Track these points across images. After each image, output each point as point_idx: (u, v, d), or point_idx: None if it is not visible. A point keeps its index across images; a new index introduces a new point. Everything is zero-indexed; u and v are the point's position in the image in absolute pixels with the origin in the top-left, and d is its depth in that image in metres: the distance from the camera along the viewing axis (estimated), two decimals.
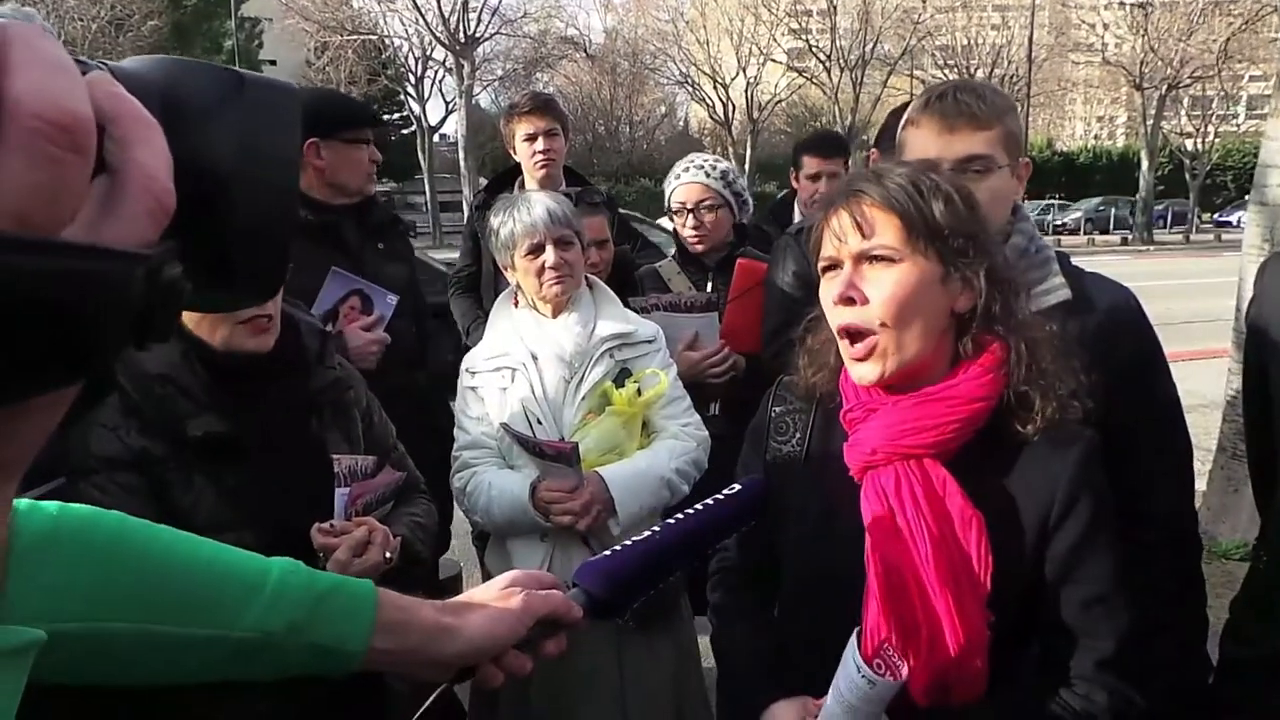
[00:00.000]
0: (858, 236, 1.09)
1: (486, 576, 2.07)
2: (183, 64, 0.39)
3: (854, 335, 1.10)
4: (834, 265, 1.13)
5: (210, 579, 0.75)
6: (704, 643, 2.40)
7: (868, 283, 1.09)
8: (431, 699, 0.81)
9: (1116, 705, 1.06)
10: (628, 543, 0.97)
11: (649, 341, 2.01)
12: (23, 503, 0.70)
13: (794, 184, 3.27)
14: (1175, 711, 1.43)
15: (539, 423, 1.89)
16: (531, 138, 2.88)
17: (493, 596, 0.86)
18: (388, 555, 1.42)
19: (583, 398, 1.90)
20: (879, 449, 1.10)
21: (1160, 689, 1.16)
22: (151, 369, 1.36)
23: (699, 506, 1.06)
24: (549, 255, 1.89)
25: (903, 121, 1.51)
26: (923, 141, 1.43)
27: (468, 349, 2.19)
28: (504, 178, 3.10)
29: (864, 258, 1.10)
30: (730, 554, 1.34)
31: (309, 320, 1.62)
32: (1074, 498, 1.08)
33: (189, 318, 1.39)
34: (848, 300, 1.09)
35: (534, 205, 1.91)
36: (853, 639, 1.00)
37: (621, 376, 1.95)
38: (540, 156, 2.87)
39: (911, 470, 1.08)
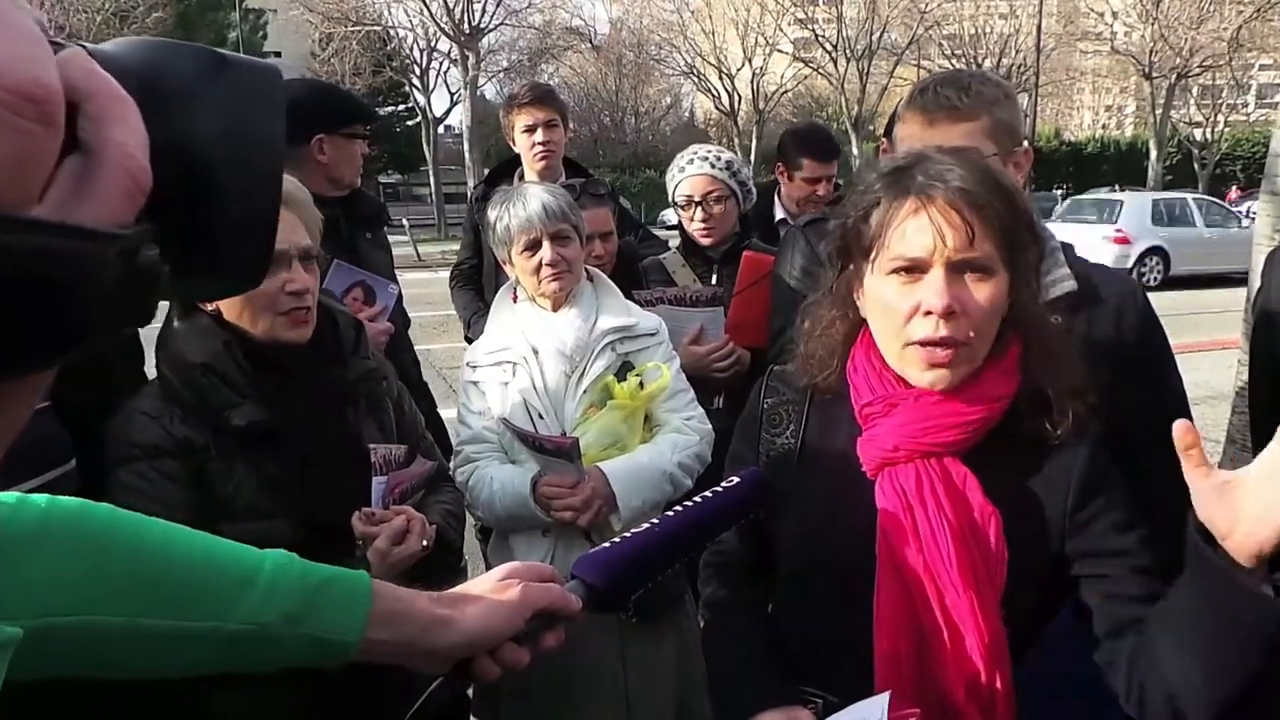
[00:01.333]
0: (964, 240, 0.99)
1: None
2: (163, 45, 0.38)
3: (938, 343, 1.02)
4: (916, 267, 1.02)
5: (203, 571, 0.75)
6: None
7: (968, 294, 1.01)
8: (428, 692, 0.80)
9: None
10: (627, 534, 0.97)
11: (651, 334, 2.00)
12: (10, 496, 0.70)
13: (782, 177, 3.04)
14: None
15: (540, 417, 1.88)
16: (531, 129, 2.86)
17: (489, 589, 0.86)
18: (424, 544, 1.43)
19: (584, 392, 1.89)
20: (901, 446, 1.07)
21: None
22: (194, 358, 1.38)
23: (698, 498, 1.05)
24: (545, 251, 1.87)
25: (896, 117, 1.53)
26: (908, 136, 1.45)
27: (470, 342, 2.18)
28: (503, 169, 3.08)
29: (965, 266, 1.01)
30: (726, 547, 1.31)
31: (345, 312, 1.63)
32: (1090, 488, 1.07)
33: (229, 308, 1.41)
34: (950, 313, 1.00)
35: (529, 200, 1.89)
36: (884, 700, 0.94)
37: (623, 370, 1.94)
38: (540, 148, 2.86)
39: (932, 468, 1.06)
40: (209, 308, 1.42)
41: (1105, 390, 1.11)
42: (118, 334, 0.32)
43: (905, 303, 1.03)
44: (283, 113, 0.40)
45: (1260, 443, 1.60)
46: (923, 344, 1.02)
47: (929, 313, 1.00)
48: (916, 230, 1.02)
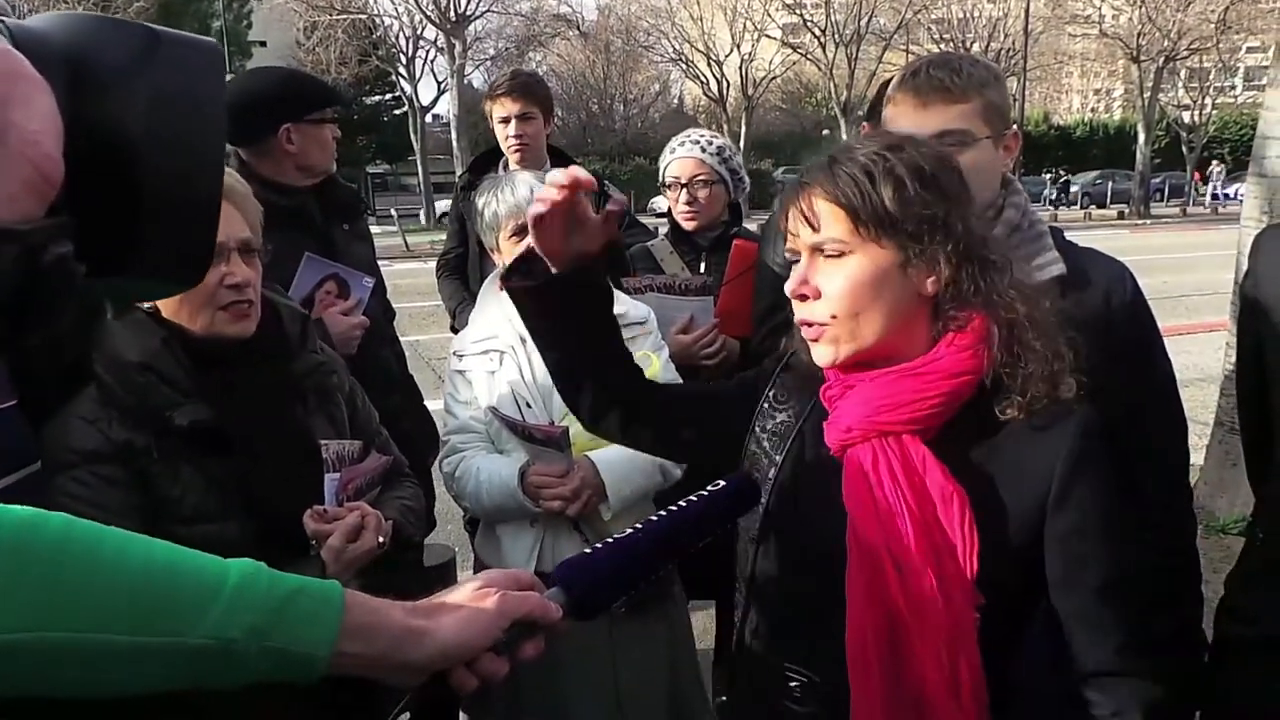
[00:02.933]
0: (808, 230, 1.09)
1: (478, 563, 2.06)
2: (95, 21, 0.35)
3: (802, 323, 1.13)
4: (796, 256, 1.14)
5: (164, 584, 0.71)
6: (698, 624, 2.39)
7: (821, 275, 1.09)
8: (400, 707, 0.78)
9: (1142, 696, 1.05)
10: (609, 540, 0.95)
11: (640, 323, 1.99)
12: None
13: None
14: (1172, 689, 1.42)
15: (528, 406, 1.86)
16: (505, 121, 2.81)
17: (466, 598, 0.83)
18: (380, 540, 1.41)
19: None
20: (854, 426, 1.08)
21: (1165, 671, 1.15)
22: (131, 357, 1.33)
23: (683, 503, 1.03)
24: None
25: (885, 99, 1.51)
26: (899, 118, 1.45)
27: (456, 332, 2.15)
28: (487, 157, 3.04)
29: (817, 250, 1.10)
30: None
31: (290, 305, 1.59)
32: (1074, 476, 1.06)
33: (166, 304, 1.36)
34: (801, 296, 1.11)
35: (518, 186, 1.87)
36: None
37: None
38: (513, 141, 2.81)
39: (889, 447, 1.06)
40: (144, 303, 1.37)
41: (1093, 372, 1.10)
42: (24, 341, 0.29)
43: (787, 289, 1.14)
44: (222, 92, 0.37)
45: (1246, 427, 1.60)
46: (799, 324, 1.14)
47: (792, 295, 1.13)
48: (787, 226, 1.14)
